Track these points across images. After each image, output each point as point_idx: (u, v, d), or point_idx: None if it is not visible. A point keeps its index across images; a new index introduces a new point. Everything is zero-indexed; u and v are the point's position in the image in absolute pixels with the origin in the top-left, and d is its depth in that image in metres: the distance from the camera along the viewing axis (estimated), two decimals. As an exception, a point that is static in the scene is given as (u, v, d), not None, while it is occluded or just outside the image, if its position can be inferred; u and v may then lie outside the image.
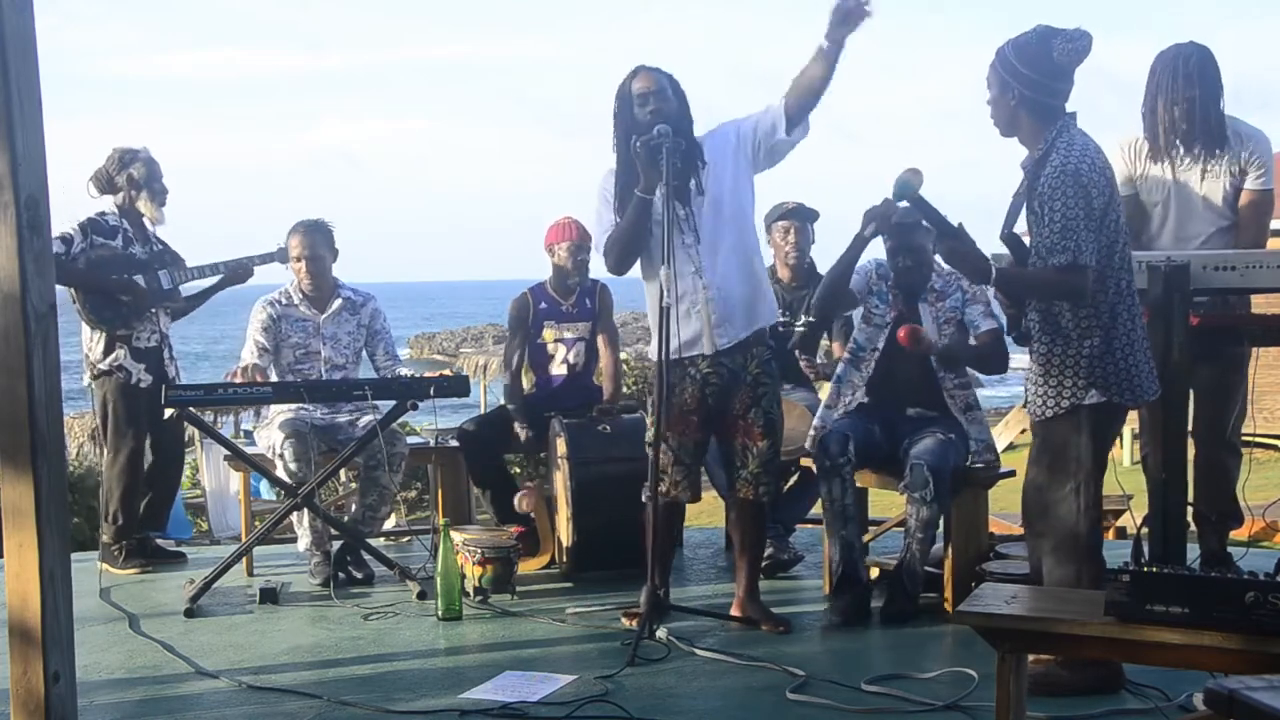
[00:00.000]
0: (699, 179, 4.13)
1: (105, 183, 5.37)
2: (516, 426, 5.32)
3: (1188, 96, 4.21)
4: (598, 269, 5.03)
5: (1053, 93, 3.34)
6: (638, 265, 4.25)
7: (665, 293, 3.94)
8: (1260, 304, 4.43)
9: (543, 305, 5.47)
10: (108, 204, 5.37)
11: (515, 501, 5.19)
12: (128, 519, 5.36)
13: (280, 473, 4.98)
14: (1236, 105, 4.36)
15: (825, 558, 4.62)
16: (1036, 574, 3.55)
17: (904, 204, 4.01)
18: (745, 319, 4.19)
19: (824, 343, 5.45)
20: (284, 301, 5.31)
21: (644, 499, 4.23)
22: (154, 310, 5.36)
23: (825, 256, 5.42)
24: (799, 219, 5.23)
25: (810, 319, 5.17)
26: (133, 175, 5.34)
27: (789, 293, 5.24)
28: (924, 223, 4.34)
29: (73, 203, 5.41)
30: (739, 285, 4.16)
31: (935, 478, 4.17)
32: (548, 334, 5.46)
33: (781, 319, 5.22)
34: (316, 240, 5.29)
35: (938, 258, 3.64)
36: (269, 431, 5.14)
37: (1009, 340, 4.42)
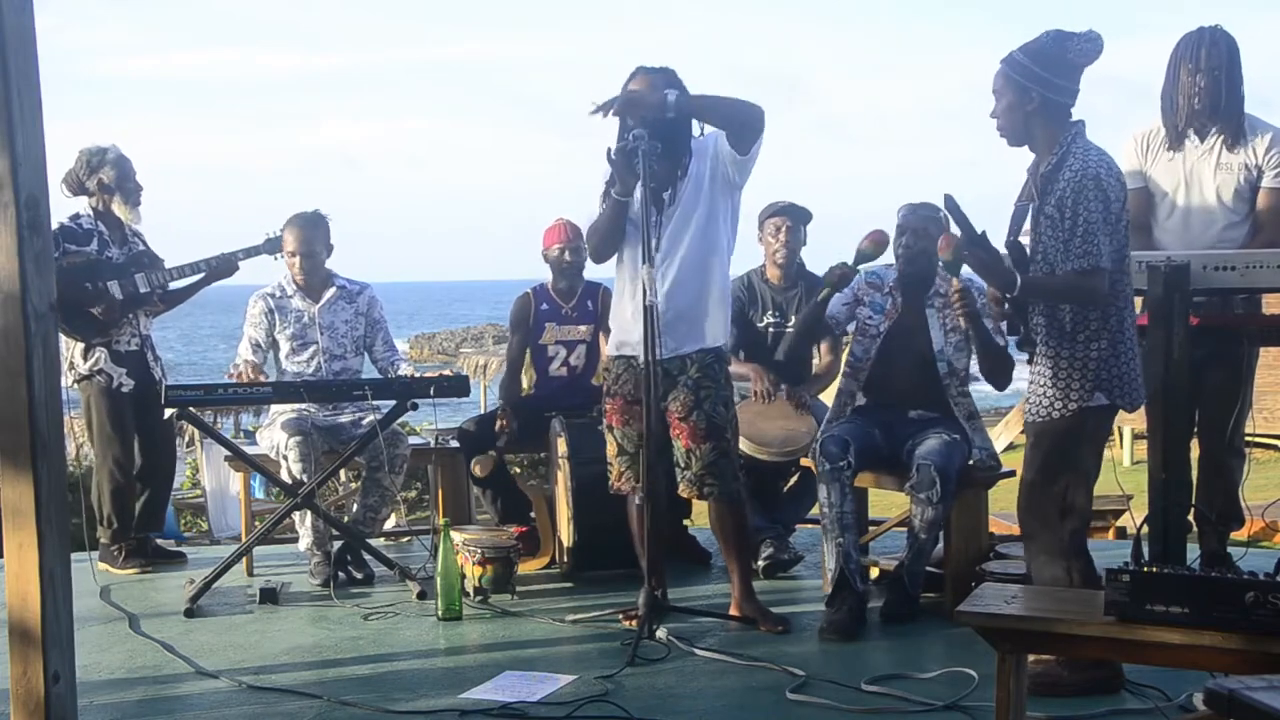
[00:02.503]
0: (675, 187, 4.14)
1: (76, 186, 5.30)
2: (500, 419, 5.31)
3: (1213, 66, 4.16)
4: (597, 271, 5.11)
5: (1068, 93, 3.37)
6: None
7: (648, 292, 3.95)
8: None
9: (544, 306, 5.47)
10: (83, 205, 5.31)
11: (472, 465, 5.24)
12: (122, 521, 5.36)
13: (284, 474, 4.98)
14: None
15: (824, 559, 4.61)
16: (1035, 575, 3.55)
17: (855, 280, 4.40)
18: (688, 334, 4.20)
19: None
20: (278, 294, 5.31)
21: (635, 500, 4.27)
22: (132, 314, 5.32)
23: (818, 258, 5.42)
24: (791, 217, 5.20)
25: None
26: (102, 180, 5.26)
27: (778, 294, 5.22)
28: (939, 215, 4.37)
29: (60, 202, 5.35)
30: (686, 300, 4.18)
31: (942, 478, 4.16)
32: (548, 335, 5.46)
33: (772, 320, 5.22)
34: (313, 236, 5.27)
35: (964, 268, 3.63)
36: (271, 432, 5.14)
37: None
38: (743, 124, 4.10)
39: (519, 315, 5.52)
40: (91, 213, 5.30)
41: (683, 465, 4.24)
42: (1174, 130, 4.29)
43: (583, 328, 5.47)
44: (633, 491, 4.32)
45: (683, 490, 4.30)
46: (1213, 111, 4.21)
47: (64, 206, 5.30)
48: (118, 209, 5.30)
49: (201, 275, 5.38)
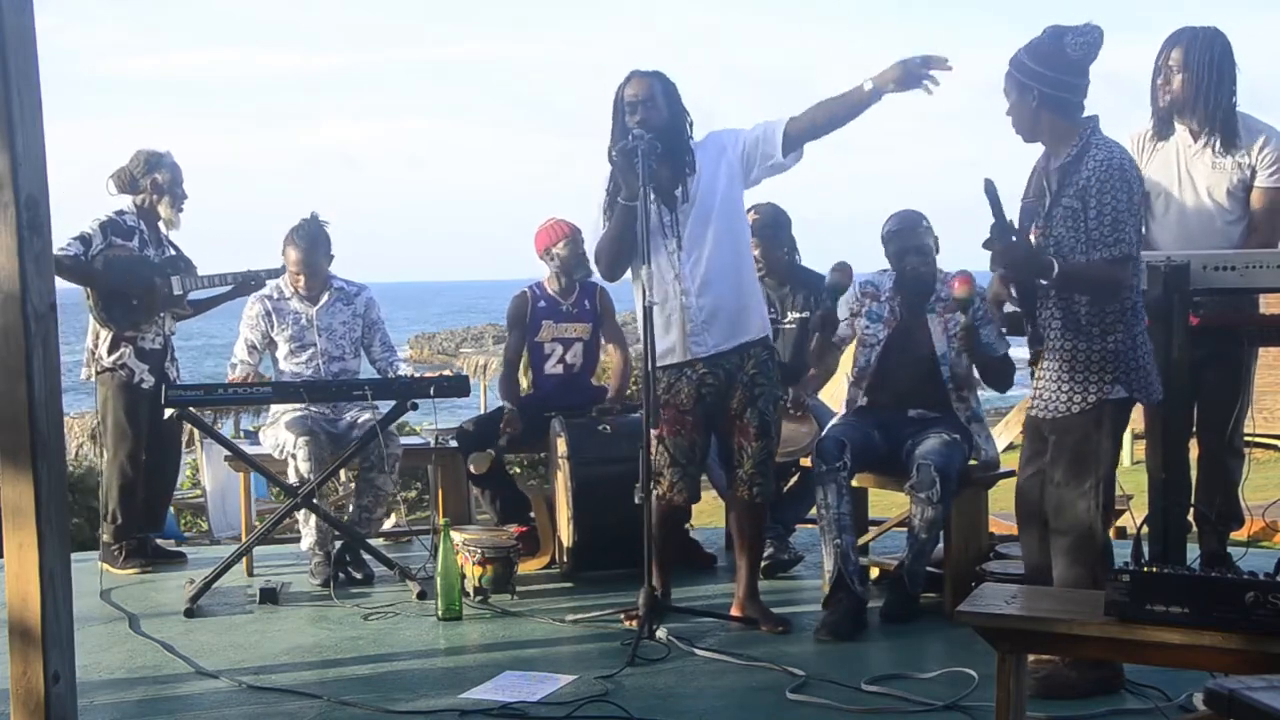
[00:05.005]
0: (685, 185, 4.13)
1: (128, 183, 5.40)
2: (504, 423, 5.31)
3: (1203, 60, 4.15)
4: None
5: (1071, 89, 3.37)
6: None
7: (647, 293, 3.95)
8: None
9: (541, 304, 5.47)
10: (126, 203, 5.40)
11: (468, 462, 5.25)
12: (127, 518, 5.37)
13: (291, 473, 4.98)
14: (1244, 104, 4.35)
15: (824, 560, 4.61)
16: (1033, 572, 3.55)
17: (848, 292, 4.49)
18: (729, 329, 4.17)
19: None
20: (275, 296, 5.33)
21: (636, 500, 4.25)
22: (161, 314, 5.38)
23: (819, 259, 5.40)
24: (758, 235, 4.98)
25: (801, 315, 5.16)
26: (158, 180, 5.38)
27: (772, 291, 5.21)
28: (925, 223, 4.40)
29: (75, 194, 5.41)
30: (722, 294, 4.14)
31: (941, 478, 4.16)
32: (545, 333, 5.46)
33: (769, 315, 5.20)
34: (315, 252, 5.29)
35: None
36: (276, 431, 5.14)
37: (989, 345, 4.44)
38: (829, 133, 4.08)
39: (516, 314, 5.52)
40: (135, 210, 5.39)
41: (735, 463, 4.22)
42: (1158, 119, 4.29)
43: (580, 325, 5.47)
44: (685, 503, 4.29)
45: (736, 489, 4.26)
46: (1202, 108, 4.20)
47: (107, 205, 5.40)
48: (163, 209, 5.41)
49: (228, 288, 5.49)
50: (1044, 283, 3.41)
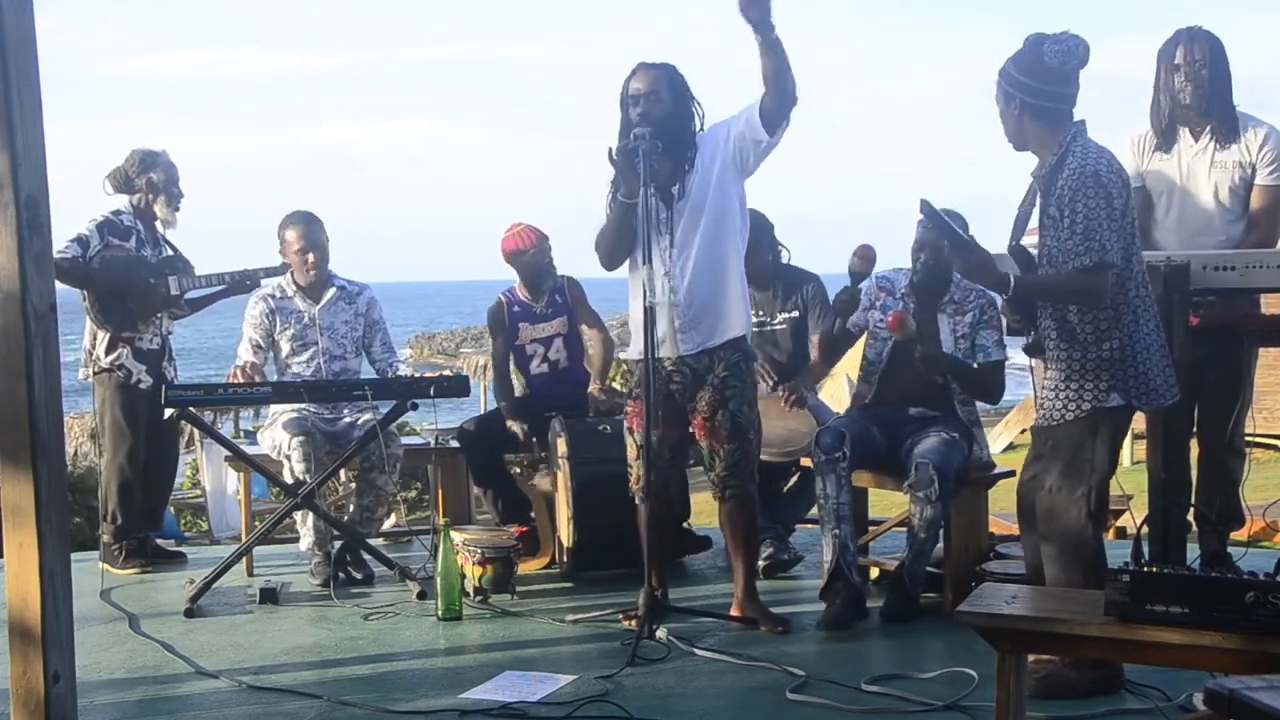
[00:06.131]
0: (683, 182, 4.13)
1: (123, 182, 5.39)
2: (509, 424, 5.33)
3: (1193, 61, 4.17)
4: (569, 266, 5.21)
5: (1052, 97, 3.36)
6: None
7: (647, 292, 3.95)
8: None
9: (516, 309, 5.49)
10: (122, 203, 5.39)
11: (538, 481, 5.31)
12: (127, 518, 5.36)
13: (286, 473, 4.98)
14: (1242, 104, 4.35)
15: (823, 553, 4.61)
16: (1034, 574, 3.54)
17: (866, 284, 4.44)
18: (712, 327, 4.18)
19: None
20: (278, 295, 5.33)
21: (638, 501, 4.26)
22: (158, 314, 5.38)
23: (816, 259, 5.38)
24: None
25: (790, 315, 5.16)
26: (153, 179, 5.37)
27: (759, 292, 5.21)
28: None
29: (75, 194, 5.41)
30: (707, 292, 4.16)
31: (940, 476, 4.16)
32: (524, 336, 5.48)
33: (755, 319, 5.20)
34: (315, 230, 5.30)
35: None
36: (273, 431, 5.14)
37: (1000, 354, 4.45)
38: (786, 90, 4.01)
39: (495, 320, 5.56)
40: (131, 210, 5.38)
41: (706, 465, 4.24)
42: (1159, 131, 4.31)
43: (555, 322, 5.48)
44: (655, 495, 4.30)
45: (711, 491, 4.28)
46: (1203, 110, 4.21)
47: (104, 204, 5.39)
48: (159, 208, 5.40)
49: (223, 287, 5.48)
50: (1003, 297, 3.42)
